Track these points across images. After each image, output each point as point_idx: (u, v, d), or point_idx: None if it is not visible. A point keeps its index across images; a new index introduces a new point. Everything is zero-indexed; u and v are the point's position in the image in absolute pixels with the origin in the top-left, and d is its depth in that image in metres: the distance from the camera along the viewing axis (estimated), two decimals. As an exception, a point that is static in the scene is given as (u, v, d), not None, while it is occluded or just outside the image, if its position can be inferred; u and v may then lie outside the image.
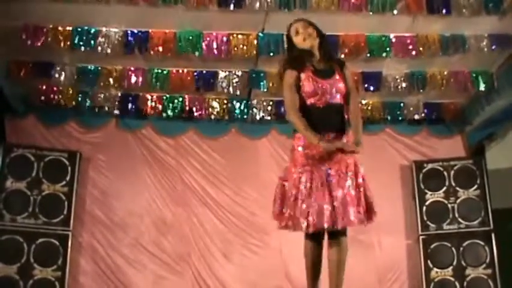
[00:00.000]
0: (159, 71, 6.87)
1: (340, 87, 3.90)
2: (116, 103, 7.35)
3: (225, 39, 6.24)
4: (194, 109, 7.47)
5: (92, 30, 6.13)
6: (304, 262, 3.98)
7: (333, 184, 3.76)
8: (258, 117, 7.56)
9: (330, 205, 3.70)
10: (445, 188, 7.35)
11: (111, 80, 6.80)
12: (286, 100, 3.92)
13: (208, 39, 6.23)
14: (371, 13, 5.73)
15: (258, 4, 5.64)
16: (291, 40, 4.03)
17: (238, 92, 7.08)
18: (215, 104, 7.45)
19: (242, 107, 7.50)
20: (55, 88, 7.13)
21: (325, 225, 3.67)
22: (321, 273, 3.95)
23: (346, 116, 3.94)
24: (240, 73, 6.92)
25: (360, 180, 3.91)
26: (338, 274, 3.86)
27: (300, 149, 3.86)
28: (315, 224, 3.68)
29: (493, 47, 6.17)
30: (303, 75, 3.87)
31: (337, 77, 3.92)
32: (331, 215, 3.68)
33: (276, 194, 4.16)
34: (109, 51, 6.18)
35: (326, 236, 3.88)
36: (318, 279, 3.98)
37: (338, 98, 3.89)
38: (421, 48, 6.22)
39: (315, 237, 3.87)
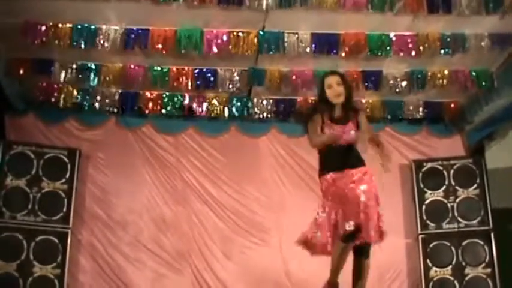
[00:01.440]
0: (159, 68, 6.86)
1: (351, 133, 4.58)
2: (116, 101, 7.34)
3: (225, 37, 6.23)
4: (194, 107, 7.47)
5: (92, 28, 6.11)
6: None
7: None
8: (258, 116, 7.56)
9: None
10: (444, 187, 7.35)
11: (111, 77, 6.79)
12: (311, 133, 4.68)
13: (208, 37, 6.22)
14: (371, 11, 5.72)
15: (258, 2, 5.62)
16: (323, 86, 4.71)
17: (238, 90, 7.08)
18: (215, 102, 7.44)
19: (242, 105, 7.50)
20: (55, 86, 7.12)
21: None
22: None
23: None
24: (240, 71, 6.91)
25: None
26: None
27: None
28: None
29: (493, 46, 6.16)
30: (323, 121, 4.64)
31: (351, 124, 4.64)
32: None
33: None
34: (109, 48, 6.17)
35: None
36: None
37: (350, 140, 4.56)
38: (421, 47, 6.21)
39: None
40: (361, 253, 4.55)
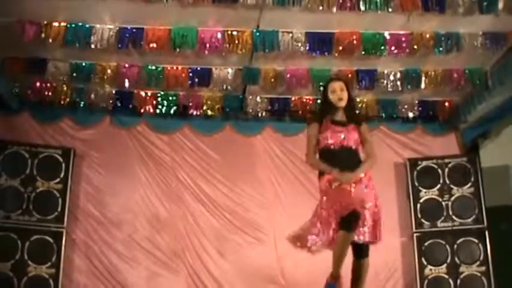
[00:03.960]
0: (154, 67, 6.85)
1: (353, 136, 4.76)
2: (110, 100, 7.33)
3: (219, 35, 6.22)
4: (189, 106, 7.46)
5: (86, 27, 6.09)
6: None
7: None
8: (252, 114, 7.56)
9: None
10: (439, 186, 7.36)
11: (105, 76, 6.78)
12: (307, 147, 4.87)
13: (202, 35, 6.20)
14: (366, 10, 5.71)
15: (252, 1, 5.62)
16: (326, 91, 4.89)
17: (232, 89, 7.08)
18: (210, 100, 7.43)
19: (237, 104, 7.50)
20: (49, 85, 7.11)
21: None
22: None
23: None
24: (234, 70, 6.90)
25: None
26: None
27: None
28: None
29: (487, 45, 6.16)
30: (323, 125, 4.79)
31: (352, 128, 4.79)
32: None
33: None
34: (103, 47, 6.15)
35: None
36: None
37: (351, 143, 4.74)
38: (415, 46, 6.21)
39: None
40: (361, 252, 4.65)
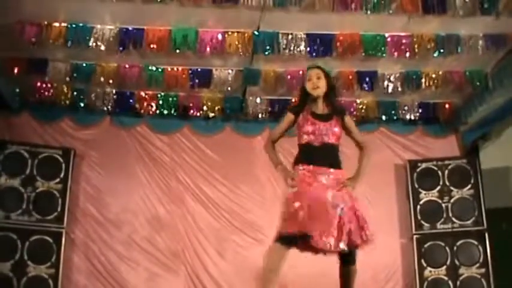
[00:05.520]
0: (154, 68, 6.86)
1: (336, 131, 4.42)
2: (111, 100, 7.34)
3: (220, 36, 6.23)
4: (189, 107, 7.47)
5: (87, 27, 6.10)
6: None
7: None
8: (252, 116, 7.56)
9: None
10: (439, 188, 7.36)
11: (105, 77, 6.79)
12: (269, 134, 4.73)
13: (203, 36, 6.21)
14: (366, 12, 5.72)
15: (253, 2, 5.62)
16: (304, 80, 4.58)
17: (233, 90, 7.08)
18: (210, 101, 7.44)
19: (237, 105, 7.50)
20: (49, 85, 7.12)
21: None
22: None
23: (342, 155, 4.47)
24: (235, 71, 6.91)
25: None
26: None
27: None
28: None
29: (488, 47, 6.17)
30: (301, 118, 4.46)
31: (334, 122, 4.44)
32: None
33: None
34: (103, 48, 6.16)
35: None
36: None
37: (333, 139, 4.40)
38: (416, 48, 6.22)
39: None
40: (348, 259, 4.30)
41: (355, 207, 4.24)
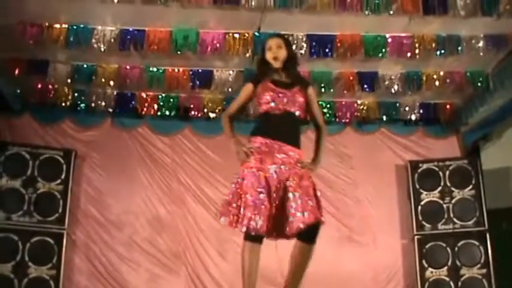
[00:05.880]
0: (155, 69, 6.87)
1: (299, 100, 4.12)
2: (112, 102, 7.34)
3: (221, 37, 6.23)
4: (190, 108, 7.47)
5: (88, 28, 6.11)
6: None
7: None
8: (253, 116, 7.53)
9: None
10: (440, 188, 7.35)
11: (106, 78, 6.79)
12: (230, 107, 4.42)
13: (204, 37, 6.21)
14: (367, 13, 5.72)
15: (254, 3, 5.62)
16: (264, 49, 4.28)
17: (234, 91, 7.07)
18: (211, 102, 7.43)
19: (237, 106, 7.48)
20: (50, 86, 7.13)
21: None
22: None
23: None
24: (235, 72, 6.91)
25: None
26: None
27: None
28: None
29: (489, 48, 6.17)
30: (260, 87, 4.16)
31: (297, 91, 4.15)
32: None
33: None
34: (104, 49, 6.17)
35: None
36: None
37: (296, 109, 4.10)
38: (417, 49, 6.22)
39: None
40: (307, 236, 3.91)
41: (312, 186, 3.95)
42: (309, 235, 3.90)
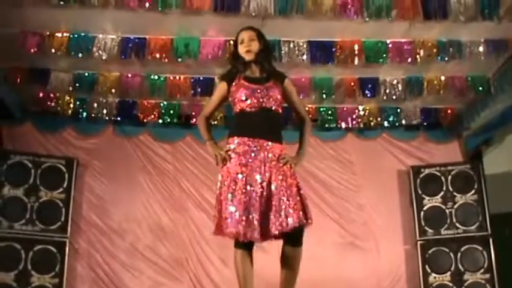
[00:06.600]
0: (156, 77, 6.87)
1: (275, 94, 3.99)
2: (113, 110, 7.36)
3: (221, 45, 6.23)
4: (191, 115, 7.47)
5: (89, 37, 6.11)
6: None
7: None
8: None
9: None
10: (442, 193, 7.35)
11: (107, 86, 6.80)
12: (205, 108, 4.30)
13: (205, 45, 6.22)
14: (367, 19, 5.73)
15: (254, 10, 5.63)
16: (236, 45, 4.14)
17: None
18: (212, 110, 7.43)
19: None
20: (52, 95, 7.15)
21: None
22: None
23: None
24: (237, 79, 6.91)
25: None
26: None
27: (233, 155, 3.94)
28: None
29: (490, 52, 6.17)
30: (234, 85, 4.03)
31: (272, 85, 4.02)
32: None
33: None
34: (106, 57, 6.17)
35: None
36: None
37: (272, 104, 3.97)
38: (417, 54, 6.22)
39: None
40: (292, 239, 3.80)
41: (295, 184, 3.82)
42: (293, 238, 3.80)
